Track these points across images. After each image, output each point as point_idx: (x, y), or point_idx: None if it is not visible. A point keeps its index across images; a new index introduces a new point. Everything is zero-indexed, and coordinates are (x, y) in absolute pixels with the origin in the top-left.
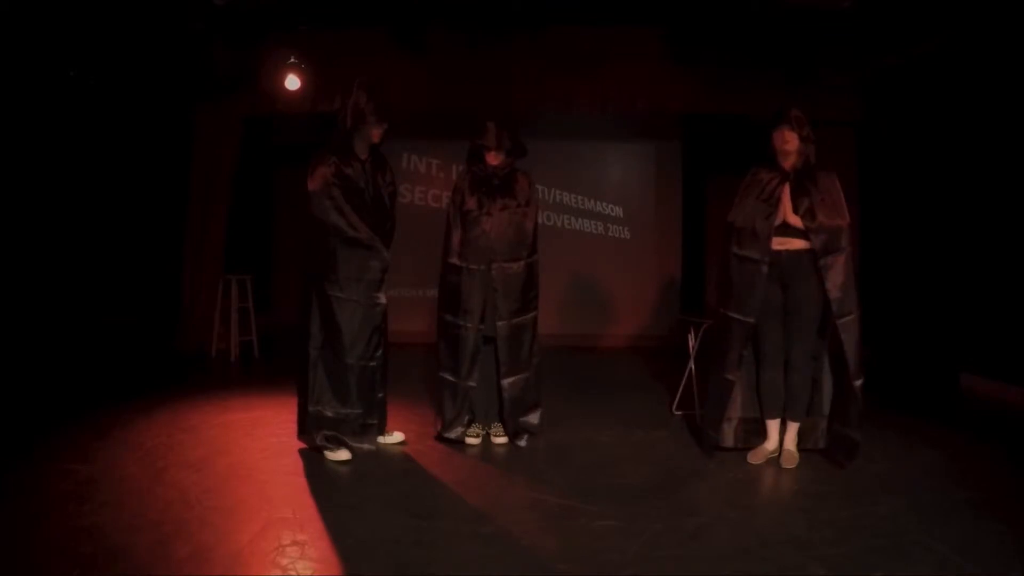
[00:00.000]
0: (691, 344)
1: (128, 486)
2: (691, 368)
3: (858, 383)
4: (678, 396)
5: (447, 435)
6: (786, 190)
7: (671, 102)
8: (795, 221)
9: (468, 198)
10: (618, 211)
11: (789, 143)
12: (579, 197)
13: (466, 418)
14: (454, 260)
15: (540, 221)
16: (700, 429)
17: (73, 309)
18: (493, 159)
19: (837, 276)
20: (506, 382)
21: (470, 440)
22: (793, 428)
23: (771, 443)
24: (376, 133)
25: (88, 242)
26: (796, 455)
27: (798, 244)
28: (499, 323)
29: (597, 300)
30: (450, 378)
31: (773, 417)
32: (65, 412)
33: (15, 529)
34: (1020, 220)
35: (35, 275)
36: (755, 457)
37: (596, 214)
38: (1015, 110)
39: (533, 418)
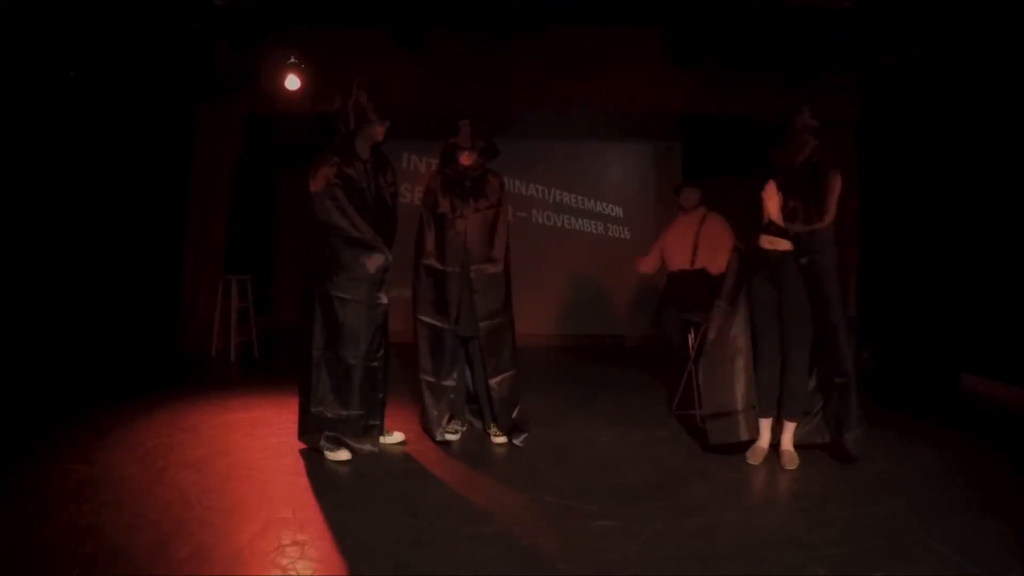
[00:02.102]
0: (691, 344)
1: (128, 486)
2: (691, 368)
3: (852, 380)
4: (678, 396)
5: (433, 437)
6: (771, 187)
7: (671, 102)
8: (779, 221)
9: (441, 200)
10: (618, 211)
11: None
12: (579, 197)
13: (448, 415)
14: (429, 262)
15: (540, 222)
16: (702, 430)
17: (73, 309)
18: (466, 159)
19: (814, 279)
20: (493, 381)
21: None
22: (790, 428)
23: (764, 440)
24: (379, 131)
25: (88, 242)
26: (796, 456)
27: (786, 245)
28: (481, 324)
29: (597, 300)
30: (429, 379)
31: (767, 416)
32: (65, 412)
33: (15, 529)
34: (1020, 220)
35: (36, 275)
36: (754, 457)
37: (596, 214)
38: (1015, 110)
39: (516, 413)
